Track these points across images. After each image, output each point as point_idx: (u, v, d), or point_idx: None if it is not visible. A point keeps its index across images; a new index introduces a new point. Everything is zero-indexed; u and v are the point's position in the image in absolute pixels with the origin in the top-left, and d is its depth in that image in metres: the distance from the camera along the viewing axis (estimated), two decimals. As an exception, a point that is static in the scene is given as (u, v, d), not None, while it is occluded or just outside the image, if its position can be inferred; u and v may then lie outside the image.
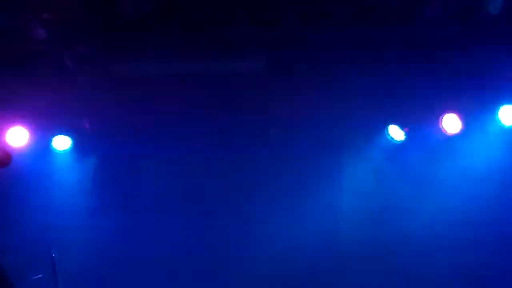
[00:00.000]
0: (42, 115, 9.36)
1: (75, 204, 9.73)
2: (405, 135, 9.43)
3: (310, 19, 8.42)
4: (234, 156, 9.64)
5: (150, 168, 9.74)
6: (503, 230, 9.25)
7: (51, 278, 7.53)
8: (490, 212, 9.28)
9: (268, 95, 9.29)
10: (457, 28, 8.55)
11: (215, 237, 9.72)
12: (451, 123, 9.20)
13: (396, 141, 9.46)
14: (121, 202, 9.72)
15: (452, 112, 9.18)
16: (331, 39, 8.71)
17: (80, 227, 9.65)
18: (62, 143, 9.59)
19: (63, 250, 7.99)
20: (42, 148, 9.55)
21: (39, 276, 7.58)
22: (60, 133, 9.55)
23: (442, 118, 9.21)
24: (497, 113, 9.00)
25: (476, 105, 9.06)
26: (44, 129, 9.47)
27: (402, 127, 9.42)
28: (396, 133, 9.45)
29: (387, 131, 9.47)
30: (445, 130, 9.21)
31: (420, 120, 9.29)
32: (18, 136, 9.33)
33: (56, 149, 9.59)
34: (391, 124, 9.43)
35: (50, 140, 9.56)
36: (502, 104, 8.99)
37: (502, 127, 9.01)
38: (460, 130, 9.18)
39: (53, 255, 7.53)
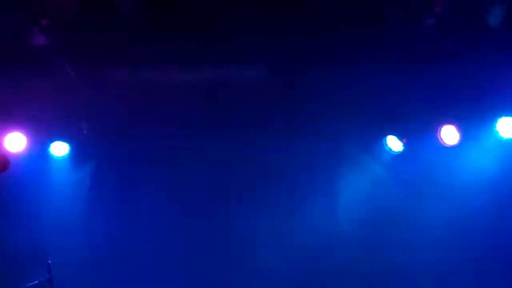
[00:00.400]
0: (40, 121, 9.36)
1: (72, 209, 9.73)
2: (403, 146, 9.44)
3: (310, 29, 8.42)
4: (231, 162, 9.65)
5: (147, 174, 9.72)
6: (500, 240, 9.29)
7: (47, 284, 7.49)
8: (487, 222, 9.31)
9: (267, 104, 9.30)
10: (456, 40, 8.56)
11: (213, 242, 9.73)
12: (449, 134, 9.22)
13: (394, 151, 9.48)
14: (118, 208, 9.73)
15: (450, 124, 9.20)
16: (331, 50, 8.72)
17: (77, 232, 9.65)
18: (59, 149, 9.58)
19: (60, 256, 7.95)
20: (39, 153, 9.54)
21: (35, 282, 7.53)
22: (58, 139, 9.54)
23: (440, 130, 9.23)
24: (495, 125, 9.02)
25: (474, 117, 9.08)
26: (42, 135, 9.46)
27: (400, 138, 9.43)
28: (394, 144, 9.47)
29: (385, 141, 9.48)
30: (443, 142, 9.23)
31: (418, 131, 9.31)
32: (16, 142, 9.33)
33: (53, 155, 9.58)
34: (389, 135, 9.44)
35: (48, 146, 9.55)
36: (500, 116, 9.00)
37: (499, 139, 9.03)
38: (458, 142, 9.20)
39: (49, 261, 7.48)
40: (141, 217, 9.77)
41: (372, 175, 9.74)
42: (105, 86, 9.18)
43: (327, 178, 9.75)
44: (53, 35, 8.58)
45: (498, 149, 9.13)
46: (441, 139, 9.23)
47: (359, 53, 8.71)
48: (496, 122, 9.01)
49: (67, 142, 9.57)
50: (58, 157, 9.60)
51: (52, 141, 9.55)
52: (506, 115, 8.98)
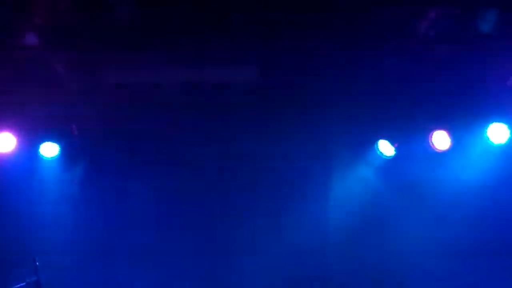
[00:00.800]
0: (30, 121, 9.31)
1: (62, 210, 9.69)
2: (395, 150, 9.44)
3: (303, 33, 8.42)
4: (222, 164, 9.64)
5: (138, 175, 9.70)
6: (490, 243, 9.30)
7: (34, 285, 7.46)
8: (478, 227, 9.33)
9: (258, 107, 9.29)
10: (448, 46, 8.58)
11: (202, 243, 9.70)
12: (440, 139, 9.24)
13: (386, 156, 9.48)
14: (108, 209, 9.70)
15: (442, 129, 9.21)
16: (323, 54, 8.72)
17: (65, 233, 9.60)
18: (49, 149, 9.54)
19: (48, 257, 7.92)
20: (29, 154, 9.50)
21: (22, 284, 7.50)
22: (48, 140, 9.50)
23: (431, 135, 9.24)
24: (486, 131, 9.03)
25: (465, 122, 9.10)
26: (32, 136, 9.42)
27: (392, 142, 9.44)
28: (386, 148, 9.47)
29: (377, 146, 9.49)
30: (435, 147, 9.24)
31: (410, 136, 9.31)
32: (5, 142, 9.28)
33: (43, 156, 9.54)
34: (381, 139, 9.44)
35: (38, 147, 9.51)
36: (490, 122, 9.01)
37: (490, 145, 9.04)
38: (449, 147, 9.20)
39: (37, 262, 7.45)
40: (130, 218, 9.73)
41: (364, 179, 9.74)
42: (96, 87, 9.15)
43: (318, 182, 9.74)
44: (44, 34, 8.55)
45: (489, 155, 9.15)
46: (432, 144, 9.25)
47: (351, 57, 8.73)
48: (486, 128, 9.02)
49: (57, 142, 9.52)
50: (48, 157, 9.55)
51: (42, 141, 9.50)
52: (496, 121, 8.99)
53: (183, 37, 8.54)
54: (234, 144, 9.57)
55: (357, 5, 8.07)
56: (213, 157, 9.65)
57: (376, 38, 8.46)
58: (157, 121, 9.40)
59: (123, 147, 9.57)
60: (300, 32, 8.41)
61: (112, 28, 8.46)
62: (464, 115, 9.05)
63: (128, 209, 9.74)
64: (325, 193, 9.79)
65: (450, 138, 9.20)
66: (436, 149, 9.25)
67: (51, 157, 9.55)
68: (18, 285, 7.53)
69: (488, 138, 9.04)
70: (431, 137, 9.25)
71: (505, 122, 8.98)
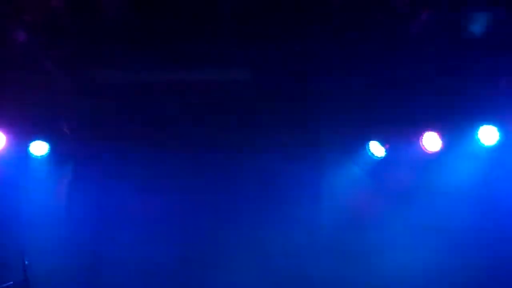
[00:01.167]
0: (20, 119, 9.27)
1: (51, 209, 9.66)
2: (385, 151, 9.45)
3: (296, 34, 8.42)
4: (214, 164, 9.63)
5: (128, 174, 9.66)
6: (481, 245, 9.30)
7: (23, 285, 7.42)
8: (468, 228, 9.33)
9: (250, 108, 9.29)
10: (439, 48, 8.60)
11: (194, 245, 9.69)
12: (431, 141, 9.25)
13: (377, 157, 9.49)
14: (98, 208, 9.67)
15: (433, 131, 9.22)
16: (316, 55, 8.73)
17: (55, 233, 9.57)
18: (39, 148, 9.49)
19: (37, 257, 7.89)
20: (19, 153, 9.45)
21: (10, 283, 7.46)
22: (38, 138, 9.46)
23: (422, 136, 9.25)
24: (477, 133, 9.05)
25: (456, 124, 9.12)
26: (22, 134, 9.37)
27: (383, 143, 9.44)
28: (376, 149, 9.48)
29: (368, 147, 9.49)
30: (425, 148, 9.25)
31: (401, 137, 9.32)
32: (-5, 141, 9.25)
33: (33, 154, 9.49)
34: (372, 140, 9.45)
35: (28, 145, 9.46)
36: (481, 124, 9.04)
37: (481, 147, 9.06)
38: (440, 149, 9.22)
39: (26, 262, 7.41)
40: (121, 217, 9.71)
41: (355, 181, 9.74)
42: (86, 85, 9.12)
43: (309, 182, 9.73)
44: (35, 32, 8.51)
45: (479, 157, 9.17)
46: (423, 145, 9.26)
47: (343, 59, 8.73)
48: (477, 130, 9.04)
49: (47, 141, 9.48)
50: (37, 156, 9.51)
51: (31, 140, 9.45)
52: (487, 123, 9.02)
53: (175, 37, 8.53)
54: (225, 144, 9.57)
55: (349, 7, 8.07)
56: (204, 157, 9.64)
57: (367, 40, 8.46)
58: (148, 121, 9.38)
59: (113, 147, 9.54)
60: (292, 34, 8.42)
61: (103, 27, 8.44)
62: (455, 117, 9.06)
63: (118, 208, 9.72)
64: (316, 193, 9.79)
65: (441, 139, 9.21)
66: (427, 150, 9.26)
67: (41, 156, 9.51)
68: (6, 284, 7.49)
69: (479, 140, 9.05)
70: (422, 138, 9.26)
71: (496, 124, 8.99)
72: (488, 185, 9.28)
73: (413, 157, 9.39)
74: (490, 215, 9.34)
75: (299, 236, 9.70)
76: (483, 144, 9.07)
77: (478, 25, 8.24)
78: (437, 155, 9.27)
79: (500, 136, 9.01)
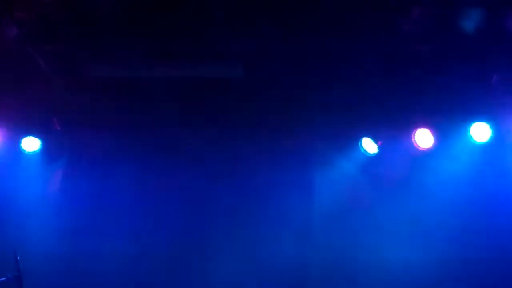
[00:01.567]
0: (11, 116, 9.22)
1: (43, 205, 9.62)
2: (378, 148, 9.47)
3: (288, 30, 8.42)
4: (205, 159, 9.64)
5: (119, 170, 9.64)
6: (472, 240, 9.33)
7: (15, 280, 7.39)
8: (460, 225, 9.38)
9: (242, 103, 9.28)
10: (432, 45, 8.63)
11: (185, 239, 9.69)
12: (423, 138, 9.28)
13: (369, 154, 9.50)
14: (89, 204, 9.65)
15: (425, 127, 9.25)
16: (308, 51, 8.73)
17: (46, 229, 9.54)
18: (31, 144, 9.45)
19: (29, 252, 7.87)
20: (10, 149, 9.42)
21: (3, 278, 7.42)
22: (30, 134, 9.41)
23: (414, 133, 9.28)
24: (469, 130, 9.09)
25: (449, 121, 9.14)
26: (13, 130, 9.32)
27: (375, 140, 9.46)
28: (369, 146, 9.50)
29: (361, 144, 9.51)
30: (418, 145, 9.28)
31: (393, 134, 9.35)
32: (-14, 136, 9.21)
33: (25, 150, 9.45)
34: (365, 137, 9.47)
35: (19, 141, 9.41)
36: (473, 121, 9.07)
37: (473, 143, 9.10)
38: (432, 145, 9.25)
39: (18, 257, 7.37)
40: (112, 213, 9.69)
41: (347, 177, 9.75)
42: (78, 81, 9.09)
43: (301, 178, 9.74)
44: (26, 27, 8.46)
45: (471, 153, 9.21)
46: (415, 142, 9.28)
47: (335, 55, 8.73)
48: (469, 127, 9.08)
49: (39, 137, 9.43)
50: (29, 152, 9.47)
51: (23, 136, 9.40)
52: (479, 120, 9.05)
53: (168, 32, 8.51)
54: (218, 139, 9.56)
55: (341, 3, 8.08)
56: (196, 152, 9.63)
57: (360, 36, 8.48)
58: (140, 116, 9.36)
59: (105, 142, 9.53)
60: (284, 30, 8.41)
61: (95, 22, 8.39)
62: (447, 113, 9.10)
63: (110, 204, 9.70)
64: (308, 190, 9.80)
65: (433, 136, 9.24)
66: (419, 147, 9.28)
67: (33, 152, 9.48)
68: (-1, 280, 7.46)
69: (471, 137, 9.09)
70: (414, 135, 9.28)
71: (488, 121, 9.03)
72: (480, 181, 9.32)
73: (405, 154, 9.41)
74: (481, 210, 9.39)
75: (290, 231, 9.71)
76: (475, 141, 9.10)
77: (470, 21, 8.26)
78: (430, 152, 9.29)
79: (492, 133, 9.04)
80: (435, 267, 9.42)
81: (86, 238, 9.58)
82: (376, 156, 9.50)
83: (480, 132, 9.09)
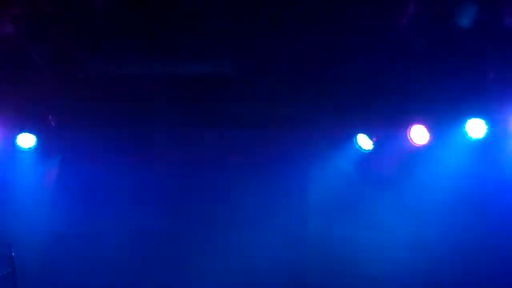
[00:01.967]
0: (7, 112, 9.22)
1: (39, 202, 9.63)
2: (373, 144, 9.46)
3: (281, 27, 8.42)
4: (199, 155, 9.65)
5: (115, 167, 9.65)
6: (467, 236, 9.34)
7: (10, 276, 7.40)
8: (455, 220, 9.38)
9: (235, 100, 9.28)
10: (428, 41, 8.62)
11: (183, 235, 9.71)
12: (419, 134, 9.27)
13: (365, 150, 9.50)
14: (84, 201, 9.65)
15: (420, 124, 9.25)
16: (301, 47, 8.72)
17: (42, 226, 9.56)
18: (26, 140, 9.45)
19: (24, 249, 7.87)
20: (6, 145, 9.41)
21: (-3, 274, 7.45)
22: (25, 131, 9.41)
23: (410, 129, 9.27)
24: (464, 126, 9.08)
25: (444, 117, 9.13)
26: (9, 126, 9.32)
27: (370, 136, 9.46)
28: (364, 142, 9.49)
29: (356, 140, 9.51)
30: (413, 141, 9.28)
31: (388, 130, 9.34)
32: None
33: (20, 147, 9.45)
34: (360, 133, 9.47)
35: (15, 138, 9.41)
36: (469, 117, 9.07)
37: (468, 139, 9.10)
38: (428, 141, 9.25)
39: (13, 253, 7.38)
40: (107, 211, 9.69)
41: (342, 173, 9.75)
42: (73, 77, 9.09)
43: (297, 175, 9.74)
44: (22, 24, 8.46)
45: (466, 150, 9.21)
46: (411, 138, 9.28)
47: (330, 51, 8.73)
48: (465, 123, 9.07)
49: (34, 133, 9.44)
50: (24, 148, 9.47)
51: (18, 132, 9.40)
52: (475, 116, 9.05)
53: (161, 30, 8.51)
54: (211, 137, 9.56)
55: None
56: (190, 149, 9.64)
57: (355, 32, 8.47)
58: (134, 113, 9.36)
59: (100, 138, 9.53)
60: (277, 26, 8.40)
61: (90, 19, 8.40)
62: (443, 109, 9.08)
63: (105, 200, 9.70)
64: (303, 186, 9.80)
65: (428, 132, 9.24)
66: (415, 143, 9.28)
67: (28, 148, 9.48)
68: (-6, 275, 7.47)
69: (467, 133, 9.09)
70: (410, 131, 9.28)
71: (483, 117, 9.02)
72: (476, 177, 9.32)
73: (400, 150, 9.41)
74: (477, 206, 9.39)
75: (287, 227, 9.72)
76: (471, 137, 9.09)
77: (466, 17, 8.25)
78: (425, 148, 9.29)
79: (487, 129, 9.03)
80: (431, 263, 9.42)
81: (80, 235, 9.59)
82: (371, 153, 9.48)
83: (476, 128, 9.07)
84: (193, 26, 8.42)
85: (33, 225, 9.53)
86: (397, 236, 9.55)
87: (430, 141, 9.25)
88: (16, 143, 9.46)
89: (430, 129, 9.24)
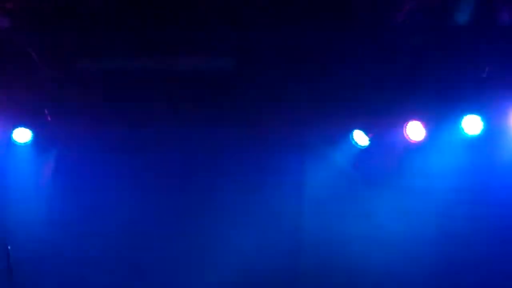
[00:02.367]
0: (2, 106, 9.19)
1: (34, 197, 9.62)
2: (369, 140, 9.47)
3: (280, 23, 8.42)
4: (195, 151, 9.65)
5: (112, 162, 9.64)
6: (464, 232, 9.36)
7: (6, 271, 7.39)
8: (451, 217, 9.39)
9: (234, 97, 9.27)
10: (424, 37, 8.63)
11: (178, 234, 9.71)
12: (415, 130, 9.28)
13: (360, 146, 9.51)
14: (81, 196, 9.64)
15: (416, 120, 9.26)
16: (300, 44, 8.73)
17: (37, 220, 9.54)
18: (22, 135, 9.43)
19: (20, 244, 7.87)
20: (1, 140, 9.39)
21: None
22: (21, 125, 9.39)
23: (406, 125, 9.28)
24: (460, 122, 9.10)
25: (440, 113, 9.15)
26: (4, 121, 9.29)
27: (366, 132, 9.47)
28: (360, 138, 9.50)
29: (352, 136, 9.52)
30: (409, 137, 9.29)
31: (384, 126, 9.35)
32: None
33: (16, 141, 9.43)
34: (356, 129, 9.48)
35: (10, 132, 9.38)
36: (465, 113, 9.08)
37: (464, 136, 9.11)
38: (424, 138, 9.26)
39: (9, 247, 7.38)
40: (104, 206, 9.68)
41: (338, 170, 9.76)
42: (69, 72, 9.07)
43: (292, 171, 9.75)
44: (17, 19, 8.44)
45: (463, 146, 9.23)
46: (407, 135, 9.29)
47: (327, 48, 8.74)
48: (461, 119, 9.09)
49: (30, 128, 9.42)
50: (20, 143, 9.45)
51: (14, 127, 9.37)
52: (471, 113, 9.07)
53: (159, 25, 8.50)
54: (208, 133, 9.56)
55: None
56: (187, 145, 9.63)
57: (351, 29, 8.48)
58: (131, 108, 9.35)
59: (96, 133, 9.52)
60: (276, 23, 8.41)
61: (86, 13, 8.37)
62: (439, 106, 9.09)
63: (101, 196, 9.69)
64: (299, 183, 9.81)
65: (424, 129, 9.25)
66: (411, 140, 9.29)
67: (24, 143, 9.46)
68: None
69: (463, 130, 9.10)
70: (406, 127, 9.29)
71: (480, 114, 9.04)
72: (472, 174, 9.34)
73: (396, 147, 9.42)
74: (473, 203, 9.41)
75: (282, 225, 9.72)
76: (467, 134, 9.11)
77: (462, 14, 8.26)
78: (421, 145, 9.30)
79: (483, 125, 9.05)
80: (427, 259, 9.44)
81: (77, 230, 9.58)
82: (367, 149, 9.49)
83: (472, 124, 9.08)
84: (190, 23, 8.42)
85: (30, 220, 9.51)
86: (393, 233, 9.57)
87: (426, 138, 9.26)
88: (12, 137, 9.42)
89: (426, 126, 9.25)
